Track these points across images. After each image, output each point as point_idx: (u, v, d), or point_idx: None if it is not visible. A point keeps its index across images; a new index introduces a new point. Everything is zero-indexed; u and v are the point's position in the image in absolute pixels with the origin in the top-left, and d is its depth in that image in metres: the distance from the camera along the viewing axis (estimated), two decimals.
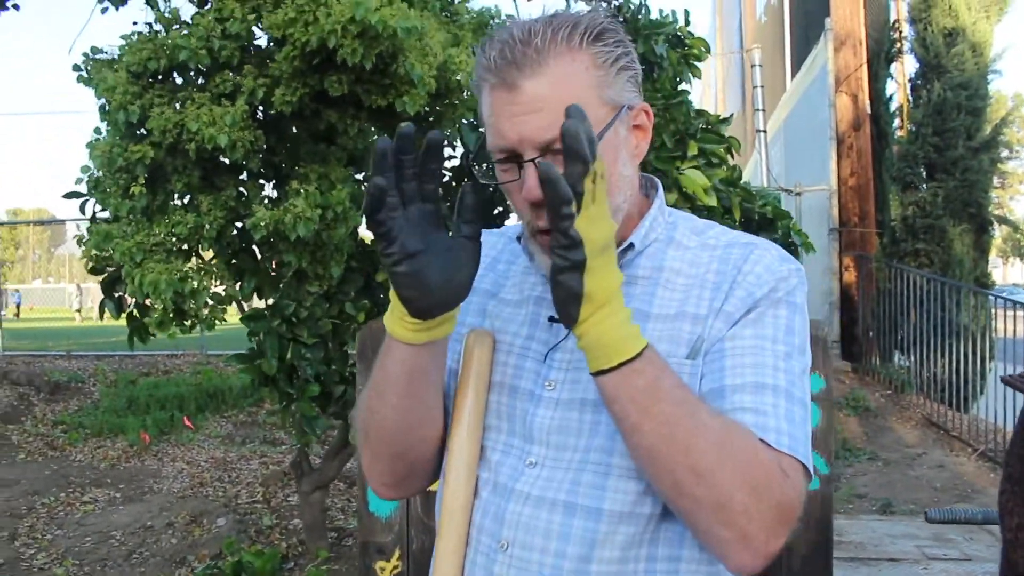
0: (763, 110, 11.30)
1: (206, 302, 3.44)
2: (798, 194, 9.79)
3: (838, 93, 9.91)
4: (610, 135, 1.05)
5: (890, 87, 10.49)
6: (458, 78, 3.31)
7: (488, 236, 1.29)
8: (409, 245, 0.94)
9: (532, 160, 1.01)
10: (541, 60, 1.02)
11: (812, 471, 1.02)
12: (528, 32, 1.03)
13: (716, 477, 0.93)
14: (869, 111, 9.97)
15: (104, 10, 3.91)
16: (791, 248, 3.91)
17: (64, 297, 39.06)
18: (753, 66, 11.43)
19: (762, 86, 11.25)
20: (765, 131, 11.40)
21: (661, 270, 1.12)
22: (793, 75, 13.05)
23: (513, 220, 3.01)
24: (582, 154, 0.86)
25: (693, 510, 0.96)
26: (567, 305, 0.92)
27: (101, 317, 3.96)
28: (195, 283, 3.31)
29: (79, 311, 27.84)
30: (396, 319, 1.02)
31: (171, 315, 3.38)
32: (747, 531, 0.94)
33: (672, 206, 3.30)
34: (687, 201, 3.24)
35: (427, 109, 3.21)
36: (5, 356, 11.41)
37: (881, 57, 10.10)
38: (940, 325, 8.19)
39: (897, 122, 10.58)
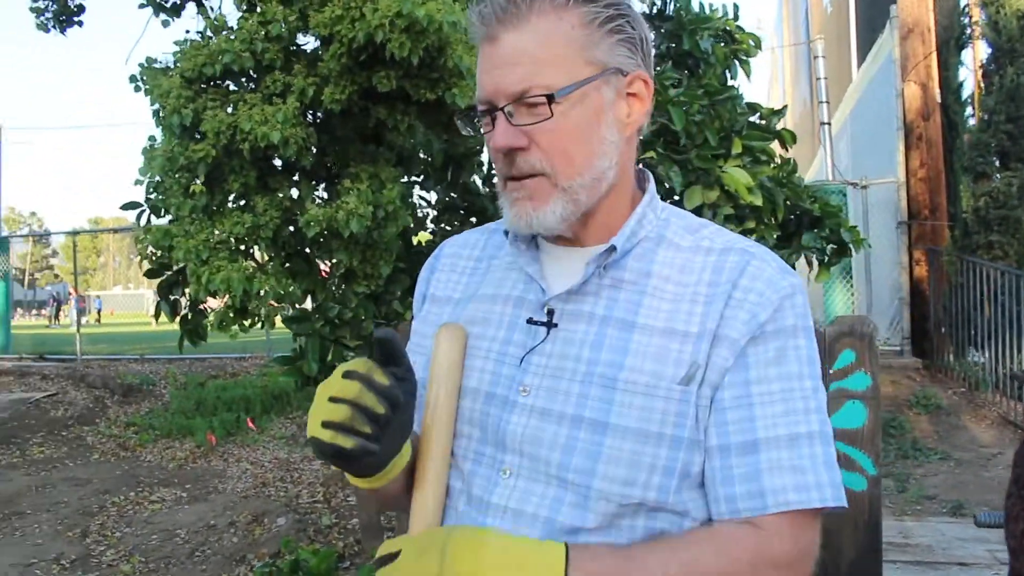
0: (827, 102, 11.01)
1: (271, 303, 3.50)
2: (864, 187, 9.53)
3: (906, 82, 9.61)
4: (591, 93, 1.03)
5: (961, 74, 10.13)
6: None
7: (463, 237, 1.28)
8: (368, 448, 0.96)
9: (502, 109, 1.02)
10: (522, 15, 1.01)
11: (844, 502, 1.01)
12: None
13: None
14: (939, 100, 9.64)
15: (165, 23, 4.01)
16: (843, 246, 3.80)
17: (142, 302, 40.37)
18: (816, 57, 11.16)
19: (826, 77, 10.97)
20: (829, 124, 11.12)
21: (649, 276, 1.07)
22: (859, 65, 12.71)
23: None
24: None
25: None
26: None
27: (156, 320, 4.07)
28: (264, 284, 3.38)
29: (156, 316, 28.70)
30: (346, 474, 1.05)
31: (233, 314, 3.44)
32: None
33: (714, 204, 3.24)
34: (729, 200, 3.18)
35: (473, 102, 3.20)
36: (83, 360, 11.84)
37: (951, 44, 9.76)
38: (1016, 320, 7.87)
39: (969, 110, 10.20)
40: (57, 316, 35.78)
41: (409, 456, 1.06)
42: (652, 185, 1.15)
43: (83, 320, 13.68)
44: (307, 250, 3.81)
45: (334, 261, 3.41)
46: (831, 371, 2.50)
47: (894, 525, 5.10)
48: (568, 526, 1.00)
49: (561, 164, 1.03)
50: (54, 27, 3.95)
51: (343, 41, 2.96)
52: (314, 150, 3.30)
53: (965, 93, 10.14)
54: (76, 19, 4.61)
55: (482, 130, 1.08)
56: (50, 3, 3.86)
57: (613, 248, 1.07)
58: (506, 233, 1.14)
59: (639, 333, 1.03)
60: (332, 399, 0.93)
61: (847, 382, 2.53)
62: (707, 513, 1.02)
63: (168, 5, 3.46)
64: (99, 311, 37.52)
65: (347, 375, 0.94)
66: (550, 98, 1.00)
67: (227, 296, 3.30)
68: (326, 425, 0.93)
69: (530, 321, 1.09)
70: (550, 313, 1.08)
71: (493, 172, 4.54)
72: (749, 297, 1.02)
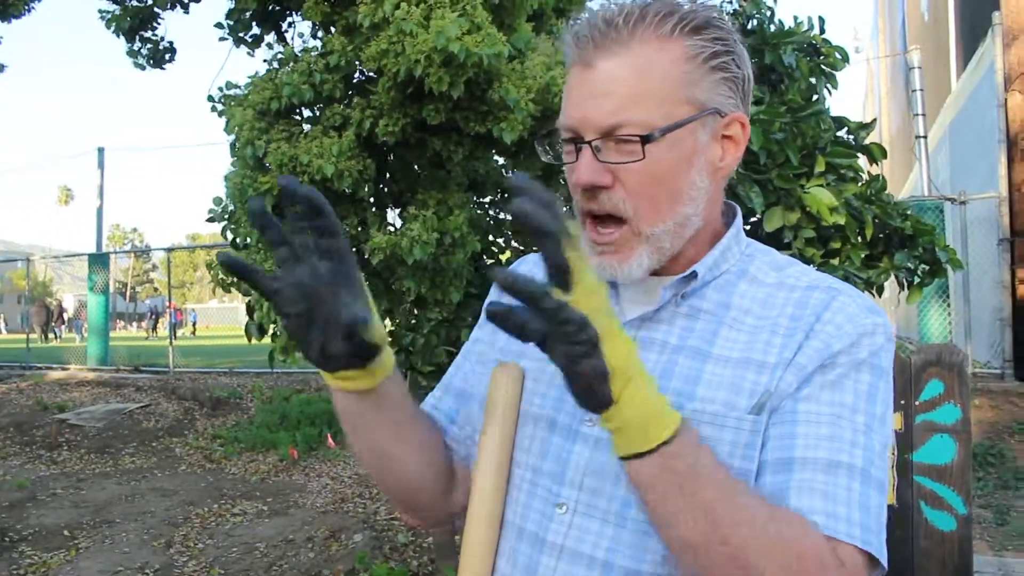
0: (923, 115, 10.57)
1: None
2: (963, 203, 9.10)
3: (1009, 92, 9.16)
4: (685, 136, 0.97)
5: None
6: (560, 100, 3.25)
7: (522, 265, 1.24)
8: (291, 303, 0.88)
9: (589, 143, 0.96)
10: (622, 42, 0.95)
11: (884, 562, 0.90)
12: (617, 12, 0.97)
13: (759, 570, 0.83)
14: None
15: (249, 54, 4.09)
16: (937, 266, 3.61)
17: (237, 315, 41.66)
18: (912, 68, 10.73)
19: (922, 89, 10.54)
20: (926, 137, 10.68)
21: (728, 307, 1.01)
22: (959, 75, 12.21)
23: None
24: (545, 228, 0.74)
25: None
26: (595, 387, 0.79)
27: (249, 340, 4.16)
28: None
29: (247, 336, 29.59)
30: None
31: (294, 344, 3.49)
32: None
33: (795, 227, 3.10)
34: (811, 221, 3.04)
35: (530, 134, 3.16)
36: (175, 373, 12.24)
37: None
38: None
39: None
40: (155, 328, 37.21)
41: (392, 366, 1.01)
42: (739, 220, 1.09)
43: (178, 332, 14.16)
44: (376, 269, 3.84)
45: (403, 288, 3.40)
46: (917, 403, 2.37)
47: (993, 561, 4.81)
48: (626, 568, 0.95)
49: (645, 209, 0.97)
50: (150, 66, 4.10)
51: (389, 75, 2.96)
52: (371, 180, 3.31)
53: None
54: (168, 58, 4.77)
55: (564, 158, 1.02)
56: (143, 47, 4.01)
57: (694, 275, 1.02)
58: None
59: (713, 363, 0.97)
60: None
61: (935, 415, 2.39)
62: None
63: (249, 39, 3.53)
64: (194, 324, 38.88)
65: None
66: (644, 139, 0.94)
67: None
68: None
69: None
70: None
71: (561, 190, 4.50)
72: (827, 328, 0.96)
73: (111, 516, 6.05)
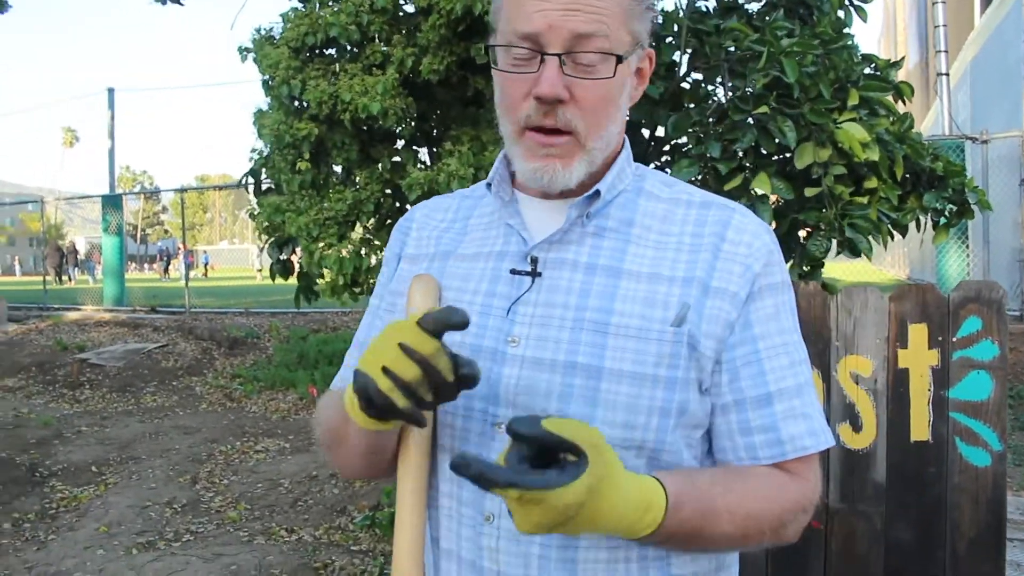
0: (946, 52, 10.37)
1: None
2: (985, 142, 8.97)
3: None
4: (624, 65, 1.03)
5: None
6: None
7: (434, 201, 1.27)
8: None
9: (558, 55, 0.98)
10: None
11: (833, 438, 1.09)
12: None
13: (751, 541, 1.01)
14: None
15: None
16: (965, 207, 3.57)
17: (247, 257, 41.78)
18: (935, 3, 10.50)
19: (945, 25, 10.32)
20: (948, 75, 10.49)
21: (632, 224, 1.08)
22: (982, 12, 11.93)
23: None
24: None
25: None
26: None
27: (273, 279, 4.17)
28: (371, 258, 3.43)
29: (260, 270, 29.73)
30: (354, 408, 0.96)
31: (343, 285, 3.51)
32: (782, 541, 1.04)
33: (825, 163, 3.06)
34: (842, 157, 3.00)
35: None
36: (191, 313, 12.33)
37: None
38: None
39: None
40: (167, 270, 37.42)
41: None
42: (627, 142, 1.15)
43: (191, 274, 14.22)
44: (405, 207, 3.82)
45: None
46: (954, 339, 2.36)
47: (1013, 501, 4.85)
48: None
49: (592, 125, 1.03)
50: (170, 0, 4.03)
51: (441, 12, 2.92)
52: (413, 119, 3.28)
53: None
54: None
55: (508, 66, 1.03)
56: None
57: (597, 193, 1.07)
58: (488, 186, 1.14)
59: (625, 279, 1.04)
60: (404, 348, 0.90)
61: (972, 351, 2.38)
62: (696, 455, 1.06)
63: None
64: (206, 265, 39.04)
65: (423, 324, 0.90)
66: (619, 58, 1.00)
67: (338, 274, 3.36)
68: (387, 373, 0.90)
69: (513, 272, 1.07)
70: (534, 262, 1.07)
71: None
72: (739, 250, 1.05)
73: (136, 453, 6.16)
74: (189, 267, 16.30)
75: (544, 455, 0.84)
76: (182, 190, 15.56)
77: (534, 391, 1.01)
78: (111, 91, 17.70)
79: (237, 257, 50.12)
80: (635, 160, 1.16)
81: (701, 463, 1.07)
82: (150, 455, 6.10)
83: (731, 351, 1.04)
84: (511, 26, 1.01)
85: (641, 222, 1.08)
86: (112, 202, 15.25)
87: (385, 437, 1.04)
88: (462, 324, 0.91)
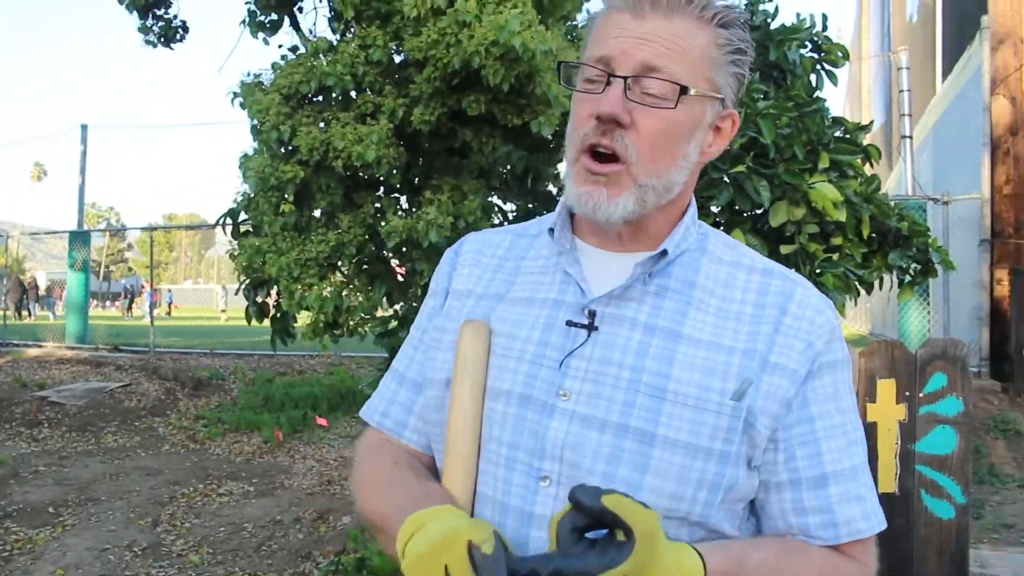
0: (910, 115, 10.70)
1: (361, 316, 3.56)
2: (946, 203, 9.23)
3: (994, 95, 9.30)
4: (699, 108, 1.03)
5: None
6: None
7: (486, 235, 1.24)
8: None
9: (623, 78, 0.99)
10: (673, 8, 1.01)
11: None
12: None
13: None
14: None
15: (265, 41, 4.03)
16: (929, 266, 3.68)
17: (211, 297, 41.35)
18: (900, 69, 10.84)
19: (909, 90, 10.66)
20: (911, 137, 10.81)
21: (693, 286, 1.06)
22: (944, 77, 12.34)
23: None
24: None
25: None
26: None
27: (249, 322, 4.13)
28: (351, 299, 3.44)
29: (224, 311, 29.42)
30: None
31: (323, 326, 3.50)
32: None
33: (799, 221, 3.15)
34: (815, 216, 3.09)
35: (558, 129, 3.20)
36: (156, 352, 12.16)
37: None
38: None
39: None
40: (130, 308, 36.87)
41: None
42: (694, 202, 1.14)
43: (155, 313, 14.05)
44: (381, 253, 3.85)
45: (416, 271, 3.43)
46: (921, 394, 2.43)
47: (973, 554, 4.92)
48: None
49: (647, 157, 1.01)
50: (161, 44, 4.06)
51: (437, 65, 2.99)
52: (402, 168, 3.34)
53: None
54: (180, 37, 4.71)
55: (580, 86, 1.05)
56: (155, 23, 3.97)
57: (664, 252, 1.05)
58: (551, 231, 1.12)
59: (684, 344, 1.01)
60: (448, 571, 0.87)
61: (938, 406, 2.45)
62: (737, 525, 1.04)
63: (267, 23, 3.53)
64: (170, 304, 38.55)
65: (470, 551, 0.87)
66: (683, 88, 1.00)
67: (319, 313, 3.37)
68: None
69: (569, 323, 1.05)
70: (591, 315, 1.04)
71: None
72: (801, 325, 1.04)
73: (96, 494, 6.03)
74: (153, 306, 16.12)
75: (597, 525, 0.85)
76: (152, 228, 15.45)
77: (582, 449, 0.99)
78: (84, 127, 17.62)
79: (201, 297, 49.61)
80: None
81: (739, 529, 1.05)
82: (110, 496, 5.98)
83: (787, 430, 1.02)
84: (590, 51, 1.04)
85: (703, 285, 1.06)
86: (80, 238, 15.09)
87: None
88: None
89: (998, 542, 5.58)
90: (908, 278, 3.86)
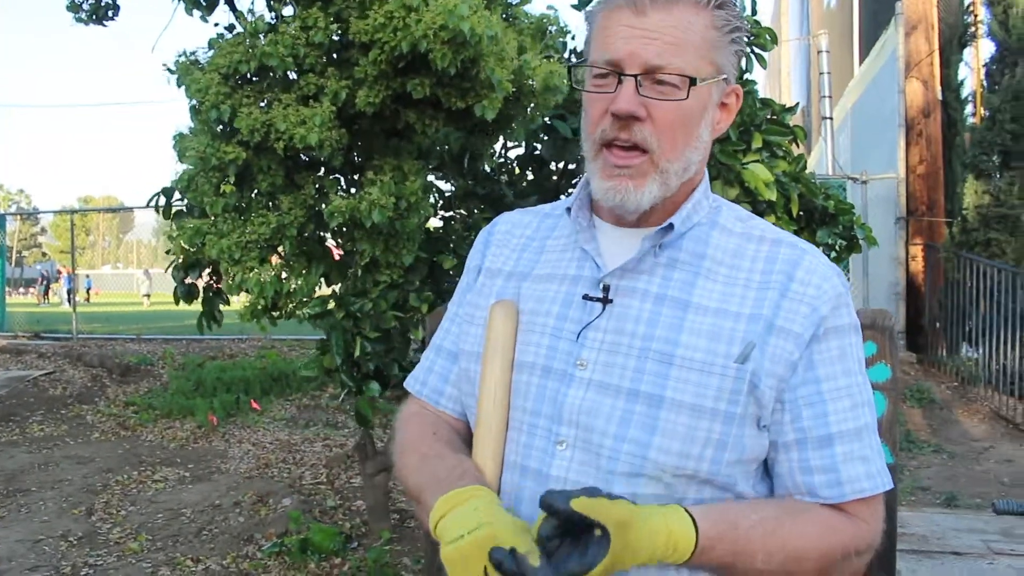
0: (830, 97, 11.06)
1: (300, 300, 3.56)
2: (864, 182, 9.59)
3: (908, 79, 9.67)
4: (707, 91, 1.08)
5: (961, 72, 10.20)
6: (531, 83, 3.34)
7: (517, 215, 1.32)
8: None
9: (633, 76, 1.04)
10: (671, 2, 1.05)
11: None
12: None
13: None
14: (940, 97, 9.71)
15: (204, 18, 3.94)
16: (854, 242, 3.85)
17: (132, 282, 40.16)
18: (820, 52, 11.20)
19: (829, 73, 11.00)
20: (831, 119, 11.17)
21: (703, 257, 1.12)
22: (861, 61, 12.76)
23: None
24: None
25: None
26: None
27: (177, 303, 4.06)
28: (292, 283, 3.44)
29: (148, 296, 28.64)
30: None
31: (262, 308, 3.49)
32: None
33: (733, 201, 3.31)
34: (748, 196, 3.21)
35: (500, 113, 3.25)
36: (79, 339, 11.82)
37: (953, 42, 9.83)
38: (1011, 317, 7.96)
39: (969, 108, 10.28)
40: (46, 294, 35.61)
41: None
42: (706, 176, 1.21)
43: (75, 299, 13.65)
44: (320, 233, 3.84)
45: (357, 251, 3.44)
46: None
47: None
48: (627, 494, 1.03)
49: (667, 145, 1.07)
50: (92, 21, 3.95)
51: (383, 48, 3.00)
52: (344, 149, 3.34)
53: (965, 91, 10.22)
54: (111, 15, 4.55)
55: (591, 88, 1.10)
56: (85, 1, 3.87)
57: (671, 227, 1.11)
58: (568, 211, 1.19)
59: (693, 312, 1.07)
60: None
61: (869, 373, 2.57)
62: (752, 483, 1.10)
63: (203, 2, 3.46)
64: (88, 290, 37.35)
65: (498, 564, 0.91)
66: (692, 81, 1.05)
67: (259, 296, 3.35)
68: None
69: (586, 297, 1.12)
70: (606, 289, 1.11)
71: (503, 160, 4.57)
72: (808, 291, 1.08)
73: (25, 485, 5.88)
74: (72, 292, 15.63)
75: (575, 526, 0.91)
76: (71, 212, 14.95)
77: (596, 413, 1.06)
78: None
79: (121, 283, 48.12)
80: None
81: (755, 488, 1.10)
82: (40, 487, 5.83)
83: (794, 391, 1.07)
84: (597, 53, 1.09)
85: (712, 256, 1.12)
86: None
87: None
88: None
89: (914, 503, 5.88)
90: (834, 254, 4.04)
